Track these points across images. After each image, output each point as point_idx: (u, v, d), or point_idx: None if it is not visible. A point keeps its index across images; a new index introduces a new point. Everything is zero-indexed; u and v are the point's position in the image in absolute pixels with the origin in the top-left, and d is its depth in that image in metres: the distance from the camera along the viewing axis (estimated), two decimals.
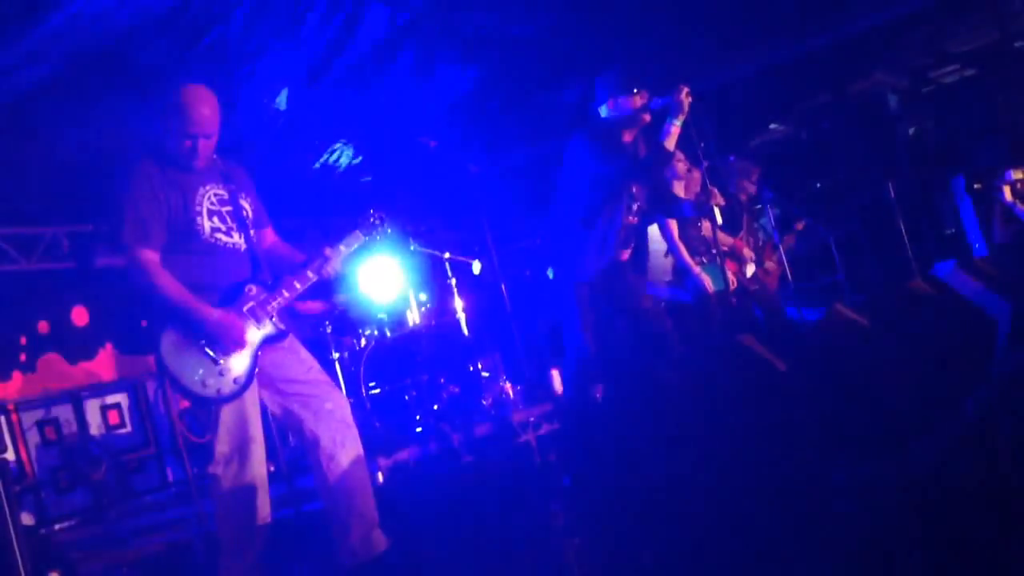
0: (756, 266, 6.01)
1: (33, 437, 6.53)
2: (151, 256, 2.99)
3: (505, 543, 3.40)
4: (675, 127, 3.91)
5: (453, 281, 6.94)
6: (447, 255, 7.07)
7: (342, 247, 3.33)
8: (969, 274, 3.89)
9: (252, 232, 3.24)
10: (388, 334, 6.13)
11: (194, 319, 2.96)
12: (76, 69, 4.76)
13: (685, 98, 3.87)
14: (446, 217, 9.36)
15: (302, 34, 5.25)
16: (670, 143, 3.91)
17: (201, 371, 2.96)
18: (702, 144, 4.14)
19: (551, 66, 6.69)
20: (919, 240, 7.55)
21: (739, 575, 1.98)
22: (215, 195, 3.16)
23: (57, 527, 5.78)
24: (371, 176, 7.85)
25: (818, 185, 10.73)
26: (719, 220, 4.61)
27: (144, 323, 6.65)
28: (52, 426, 6.66)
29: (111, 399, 7.11)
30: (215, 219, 3.12)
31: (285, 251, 3.41)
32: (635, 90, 4.02)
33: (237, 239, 3.17)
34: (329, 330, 5.78)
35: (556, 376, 7.16)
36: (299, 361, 3.25)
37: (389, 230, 3.54)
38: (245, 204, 3.25)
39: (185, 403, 6.35)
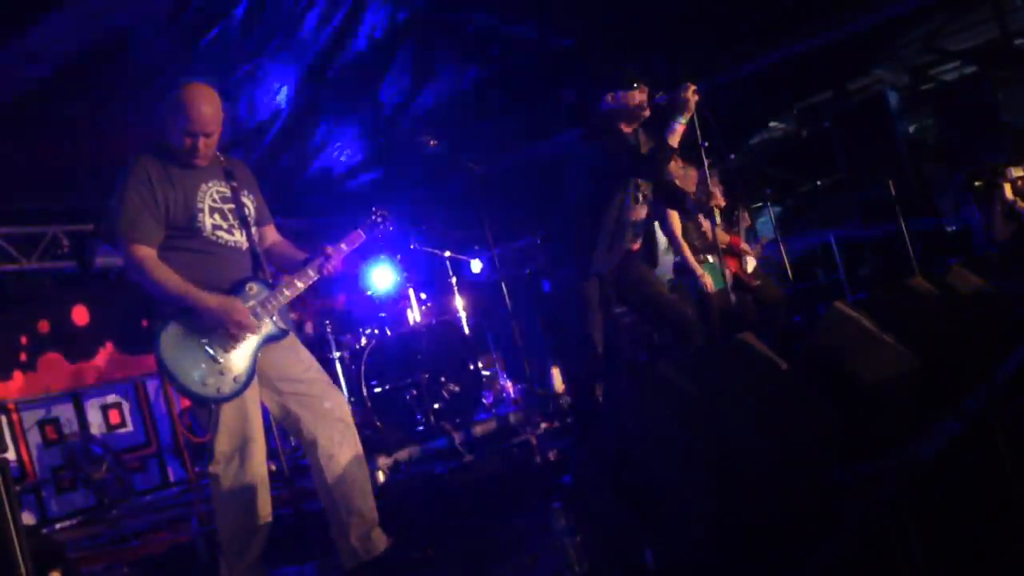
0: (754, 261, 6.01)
1: (34, 436, 6.55)
2: (147, 252, 2.98)
3: (505, 542, 3.39)
4: (680, 125, 3.90)
5: (454, 280, 6.94)
6: (448, 254, 7.08)
7: (343, 245, 3.32)
8: (970, 272, 3.89)
9: (254, 230, 3.24)
10: (388, 333, 6.13)
11: (195, 307, 2.94)
12: (77, 68, 4.76)
13: (691, 96, 3.86)
14: (446, 216, 9.36)
15: (302, 32, 5.25)
16: (674, 140, 3.91)
17: (201, 370, 2.95)
18: (705, 144, 4.14)
19: (551, 65, 6.68)
20: (920, 238, 7.54)
21: (740, 574, 1.98)
22: (217, 192, 3.15)
23: (58, 526, 5.79)
24: (372, 175, 7.85)
25: (819, 183, 10.74)
26: (719, 220, 4.62)
27: (144, 322, 6.67)
28: (53, 425, 6.68)
29: (112, 398, 7.13)
30: (216, 216, 3.11)
31: (287, 249, 3.40)
32: (635, 85, 4.01)
33: (239, 237, 3.16)
34: (330, 329, 5.78)
35: (556, 374, 7.17)
36: (299, 360, 3.24)
37: (390, 229, 3.53)
38: (247, 202, 3.24)
39: (186, 402, 6.36)
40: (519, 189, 8.58)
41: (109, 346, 7.22)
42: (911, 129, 9.07)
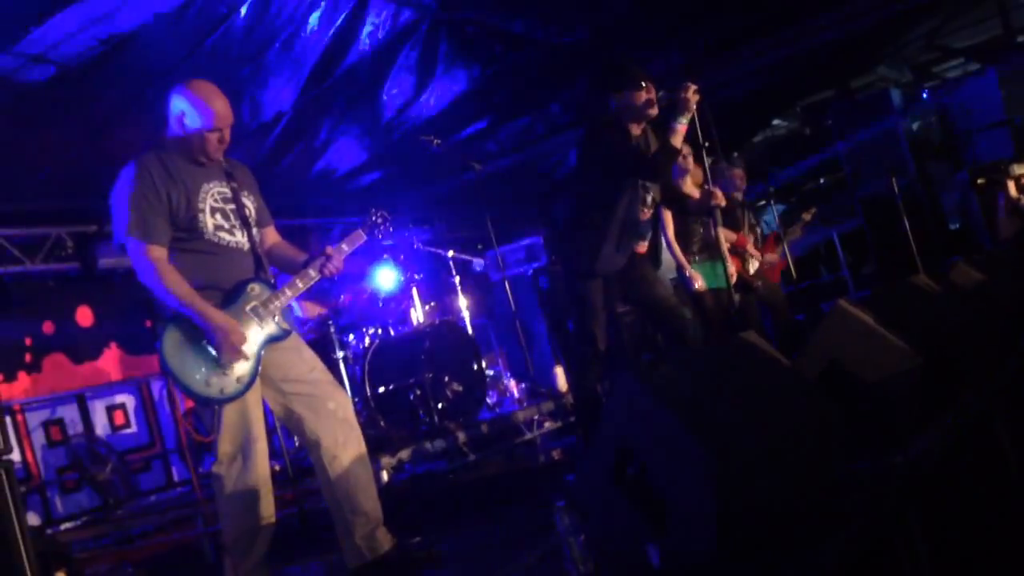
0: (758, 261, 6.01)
1: (39, 437, 6.56)
2: (159, 253, 2.98)
3: (510, 542, 3.40)
4: (681, 125, 3.88)
5: (457, 279, 6.95)
6: (451, 253, 7.09)
7: (344, 246, 3.32)
8: (974, 270, 3.88)
9: (255, 231, 3.24)
10: (392, 333, 6.13)
11: (200, 322, 2.95)
12: (80, 69, 4.77)
13: (692, 96, 3.85)
14: (449, 216, 9.37)
15: (305, 33, 5.26)
16: (676, 141, 3.90)
17: (204, 370, 2.96)
18: (706, 143, 4.13)
19: (554, 64, 6.68)
20: (923, 236, 7.53)
21: (741, 572, 1.98)
22: (218, 193, 3.15)
23: (63, 527, 5.79)
24: (374, 175, 7.85)
25: (821, 181, 10.73)
26: (719, 220, 4.61)
27: (148, 323, 6.68)
28: (58, 426, 6.69)
29: (117, 399, 7.14)
30: (218, 216, 3.12)
31: (287, 250, 3.40)
32: (643, 84, 3.99)
33: (240, 237, 3.17)
34: (333, 330, 5.78)
35: (560, 373, 7.17)
36: (302, 360, 3.24)
37: (390, 229, 3.53)
38: (248, 202, 3.25)
39: (190, 403, 6.36)
40: (522, 187, 8.59)
41: (113, 347, 7.23)
42: (914, 126, 9.05)
